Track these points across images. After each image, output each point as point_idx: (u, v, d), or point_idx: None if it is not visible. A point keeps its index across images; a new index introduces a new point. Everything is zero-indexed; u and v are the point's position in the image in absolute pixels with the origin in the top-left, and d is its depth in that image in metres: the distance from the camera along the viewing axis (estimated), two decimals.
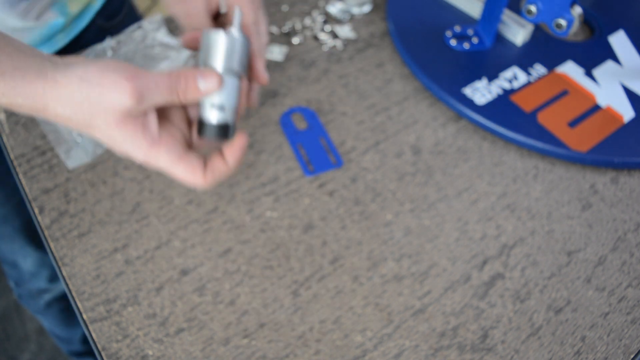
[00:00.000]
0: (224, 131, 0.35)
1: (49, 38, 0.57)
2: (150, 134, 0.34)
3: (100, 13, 0.64)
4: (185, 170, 0.35)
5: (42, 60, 0.33)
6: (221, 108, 0.35)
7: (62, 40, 0.59)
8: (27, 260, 0.74)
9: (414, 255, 0.45)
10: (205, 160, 0.36)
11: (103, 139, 0.34)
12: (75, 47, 0.60)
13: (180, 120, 0.37)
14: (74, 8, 0.59)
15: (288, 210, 0.48)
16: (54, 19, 0.56)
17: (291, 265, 0.45)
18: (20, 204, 0.66)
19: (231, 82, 0.35)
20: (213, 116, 0.35)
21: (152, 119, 0.34)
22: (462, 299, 0.43)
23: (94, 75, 0.32)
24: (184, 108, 0.37)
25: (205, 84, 0.34)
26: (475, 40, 0.61)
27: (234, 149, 0.36)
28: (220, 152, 0.36)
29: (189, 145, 0.37)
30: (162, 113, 0.36)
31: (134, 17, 0.72)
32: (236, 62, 0.35)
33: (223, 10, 0.41)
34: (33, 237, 0.71)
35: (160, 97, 0.33)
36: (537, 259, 0.45)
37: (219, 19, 0.42)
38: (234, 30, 0.35)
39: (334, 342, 0.41)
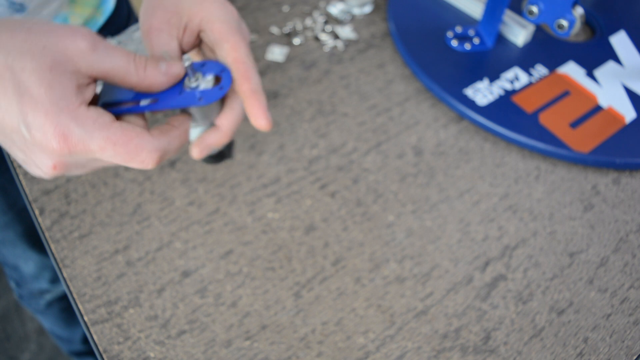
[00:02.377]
0: None
1: None
2: (83, 96, 0.28)
3: (105, 28, 0.62)
4: (122, 130, 0.28)
5: None
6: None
7: None
8: (28, 263, 0.74)
9: (416, 257, 0.45)
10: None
11: (9, 95, 0.26)
12: None
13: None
14: (75, 23, 0.57)
15: (290, 211, 0.48)
16: None
17: (293, 266, 0.45)
18: (22, 211, 0.66)
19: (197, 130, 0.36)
20: None
21: (91, 89, 0.29)
22: (464, 301, 0.43)
23: (45, 21, 0.28)
24: None
25: (167, 67, 0.31)
26: (476, 40, 0.61)
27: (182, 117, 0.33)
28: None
29: None
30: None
31: None
32: (202, 119, 0.35)
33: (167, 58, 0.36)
34: (35, 242, 0.71)
35: (116, 58, 0.28)
36: (539, 260, 0.45)
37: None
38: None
39: (337, 344, 0.41)
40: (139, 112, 0.33)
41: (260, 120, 0.32)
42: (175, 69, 0.31)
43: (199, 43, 0.37)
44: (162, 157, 0.30)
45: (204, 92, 0.32)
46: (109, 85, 0.33)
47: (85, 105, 0.28)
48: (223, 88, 0.32)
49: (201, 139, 0.34)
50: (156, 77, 0.30)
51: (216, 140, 0.35)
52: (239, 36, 0.34)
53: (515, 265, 0.45)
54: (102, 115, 0.28)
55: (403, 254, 0.45)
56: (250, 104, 0.32)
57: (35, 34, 0.26)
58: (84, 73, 0.28)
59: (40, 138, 0.26)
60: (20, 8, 0.50)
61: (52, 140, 0.26)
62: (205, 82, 0.33)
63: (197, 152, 0.35)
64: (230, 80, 0.33)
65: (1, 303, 1.31)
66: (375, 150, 0.52)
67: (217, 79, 0.33)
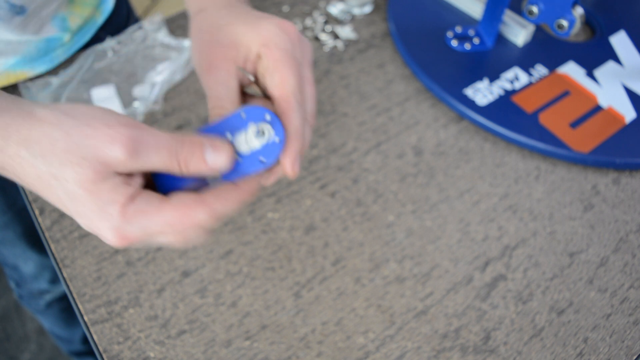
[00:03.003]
0: None
1: (46, 52, 0.55)
2: (129, 190, 0.27)
3: (104, 28, 0.61)
4: (174, 207, 0.27)
5: (17, 99, 0.27)
6: None
7: (62, 56, 0.57)
8: (28, 263, 0.74)
9: (416, 257, 0.45)
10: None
11: (62, 198, 0.27)
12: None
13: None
14: (74, 23, 0.57)
15: (290, 211, 0.48)
16: (53, 33, 0.55)
17: (293, 266, 0.45)
18: (22, 211, 0.66)
19: None
20: None
21: (137, 179, 0.28)
22: (464, 301, 0.43)
23: (84, 112, 0.27)
24: None
25: (213, 156, 0.28)
26: (476, 40, 0.61)
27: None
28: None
29: None
30: None
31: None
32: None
33: (251, 78, 0.34)
34: (34, 242, 0.71)
35: (158, 157, 0.27)
36: (539, 260, 0.45)
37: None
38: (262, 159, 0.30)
39: (336, 344, 0.41)
40: (201, 187, 0.30)
41: (287, 166, 0.31)
42: (221, 161, 0.29)
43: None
44: (219, 221, 0.29)
45: (263, 152, 0.30)
46: None
47: (131, 201, 0.27)
48: (280, 140, 0.30)
49: (288, 154, 0.31)
50: (200, 170, 0.28)
51: (301, 146, 0.32)
52: (290, 68, 0.32)
53: (515, 265, 0.45)
54: (149, 203, 0.27)
55: (403, 254, 0.45)
56: (284, 148, 0.30)
57: (74, 142, 0.26)
58: (126, 174, 0.27)
59: (100, 235, 0.28)
60: (21, 10, 0.50)
61: (113, 239, 0.27)
62: (256, 138, 0.30)
63: (291, 171, 0.31)
64: (282, 127, 0.30)
65: (1, 303, 1.31)
66: (375, 150, 0.52)
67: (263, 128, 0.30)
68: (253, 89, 0.35)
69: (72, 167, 0.26)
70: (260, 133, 0.29)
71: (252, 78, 0.34)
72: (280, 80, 0.31)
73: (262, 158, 0.30)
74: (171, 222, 0.27)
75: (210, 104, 0.32)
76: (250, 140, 0.30)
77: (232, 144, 0.30)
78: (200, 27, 0.35)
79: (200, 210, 0.28)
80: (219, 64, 0.33)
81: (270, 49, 0.32)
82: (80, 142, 0.26)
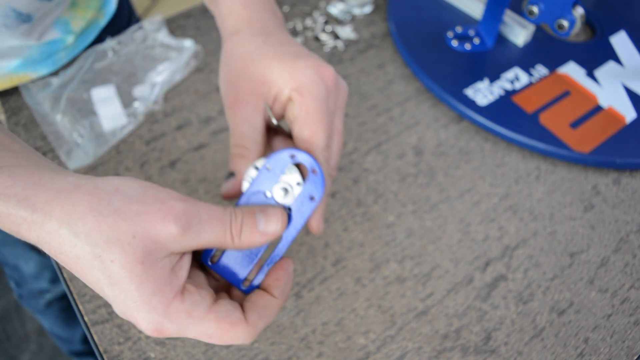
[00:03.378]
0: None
1: (49, 55, 0.55)
2: (178, 282, 0.26)
3: (107, 30, 0.61)
4: (217, 323, 0.26)
5: (61, 169, 0.26)
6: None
7: (65, 58, 0.57)
8: (29, 263, 0.74)
9: (417, 257, 0.45)
10: (241, 305, 0.28)
11: (100, 281, 0.25)
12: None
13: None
14: (77, 25, 0.57)
15: None
16: (56, 37, 0.55)
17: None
18: None
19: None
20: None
21: (185, 265, 0.27)
22: (464, 301, 0.43)
23: (134, 187, 0.26)
24: None
25: (265, 223, 0.28)
26: (476, 40, 0.61)
27: (278, 277, 0.29)
28: (260, 287, 0.29)
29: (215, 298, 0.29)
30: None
31: None
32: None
33: (274, 122, 0.33)
34: None
35: (211, 230, 0.26)
36: (539, 261, 0.45)
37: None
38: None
39: (337, 344, 0.41)
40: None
41: (312, 224, 0.31)
42: (274, 227, 0.28)
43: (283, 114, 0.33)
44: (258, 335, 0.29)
45: (309, 187, 0.29)
46: None
47: (179, 295, 0.26)
48: (317, 170, 0.29)
49: (313, 212, 0.31)
50: (254, 240, 0.28)
51: (324, 203, 0.32)
52: (321, 122, 0.30)
53: (516, 266, 0.45)
54: (197, 307, 0.26)
55: (403, 254, 0.45)
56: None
57: (124, 219, 0.24)
58: (176, 253, 0.26)
59: (135, 323, 0.26)
60: (27, 19, 0.50)
61: (147, 330, 0.26)
62: (292, 177, 0.29)
63: (316, 229, 0.32)
64: (309, 154, 0.29)
65: (1, 303, 1.31)
66: (376, 150, 0.52)
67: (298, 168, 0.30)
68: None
69: (120, 246, 0.24)
70: (285, 192, 0.29)
71: (275, 122, 0.32)
72: (309, 136, 0.30)
73: (311, 195, 0.29)
74: (210, 335, 0.27)
75: (232, 141, 0.31)
76: (292, 185, 0.29)
77: (284, 207, 0.29)
78: (231, 53, 0.33)
79: (241, 331, 0.27)
80: (247, 99, 0.31)
81: (304, 97, 0.31)
82: (130, 219, 0.24)
